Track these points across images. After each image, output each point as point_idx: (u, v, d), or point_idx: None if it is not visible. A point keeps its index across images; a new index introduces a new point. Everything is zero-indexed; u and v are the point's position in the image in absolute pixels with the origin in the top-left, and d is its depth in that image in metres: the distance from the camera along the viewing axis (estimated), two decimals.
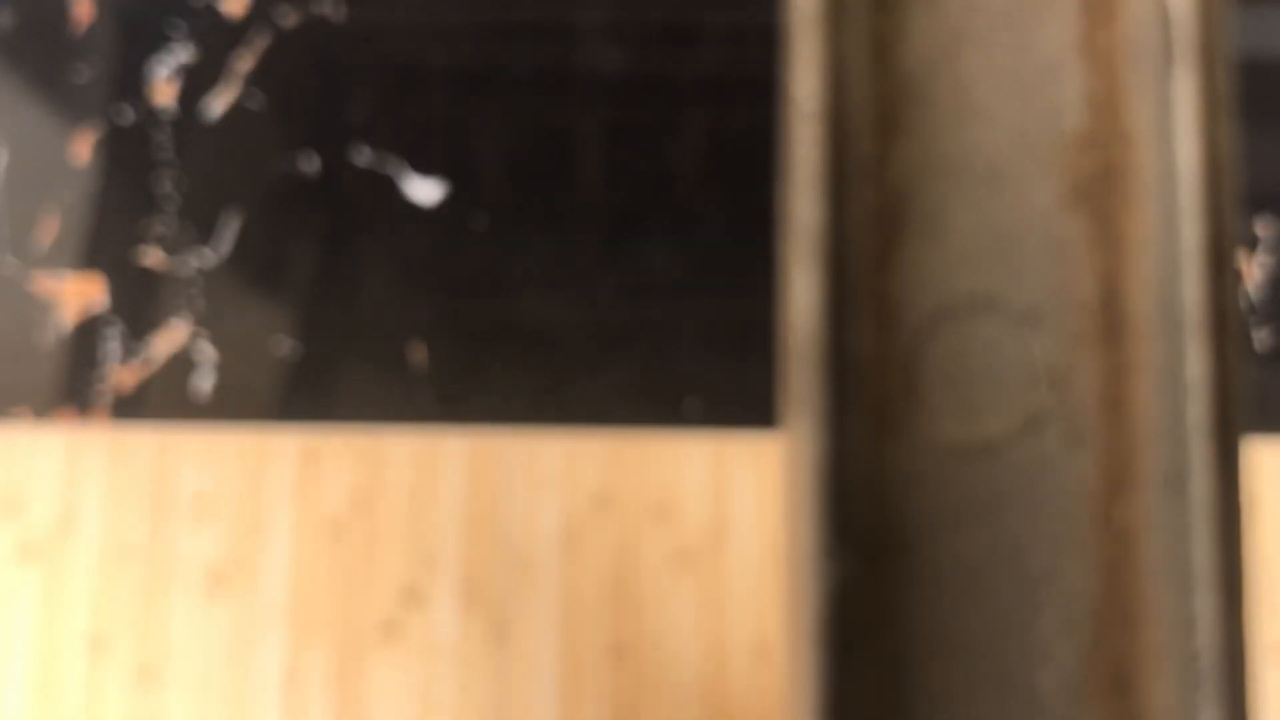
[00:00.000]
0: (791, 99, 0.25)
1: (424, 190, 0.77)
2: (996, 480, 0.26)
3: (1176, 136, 0.25)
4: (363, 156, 0.77)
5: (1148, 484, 0.25)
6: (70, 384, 0.76)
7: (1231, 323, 0.25)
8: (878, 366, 0.25)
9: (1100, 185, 0.26)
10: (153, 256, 0.77)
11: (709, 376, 0.76)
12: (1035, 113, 0.26)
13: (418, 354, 0.75)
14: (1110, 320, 0.25)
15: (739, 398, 0.76)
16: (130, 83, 0.79)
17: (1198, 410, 0.25)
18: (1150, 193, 0.26)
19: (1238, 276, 0.25)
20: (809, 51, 0.26)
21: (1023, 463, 0.26)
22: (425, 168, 0.77)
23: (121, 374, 0.76)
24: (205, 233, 0.77)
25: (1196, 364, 0.25)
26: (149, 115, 0.79)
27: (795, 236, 0.25)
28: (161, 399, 0.76)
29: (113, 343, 0.76)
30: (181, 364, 0.76)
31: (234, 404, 0.76)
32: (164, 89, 0.79)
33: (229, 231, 0.77)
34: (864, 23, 0.26)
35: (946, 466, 0.26)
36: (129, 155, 0.78)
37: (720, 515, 0.76)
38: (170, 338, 0.76)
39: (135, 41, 0.79)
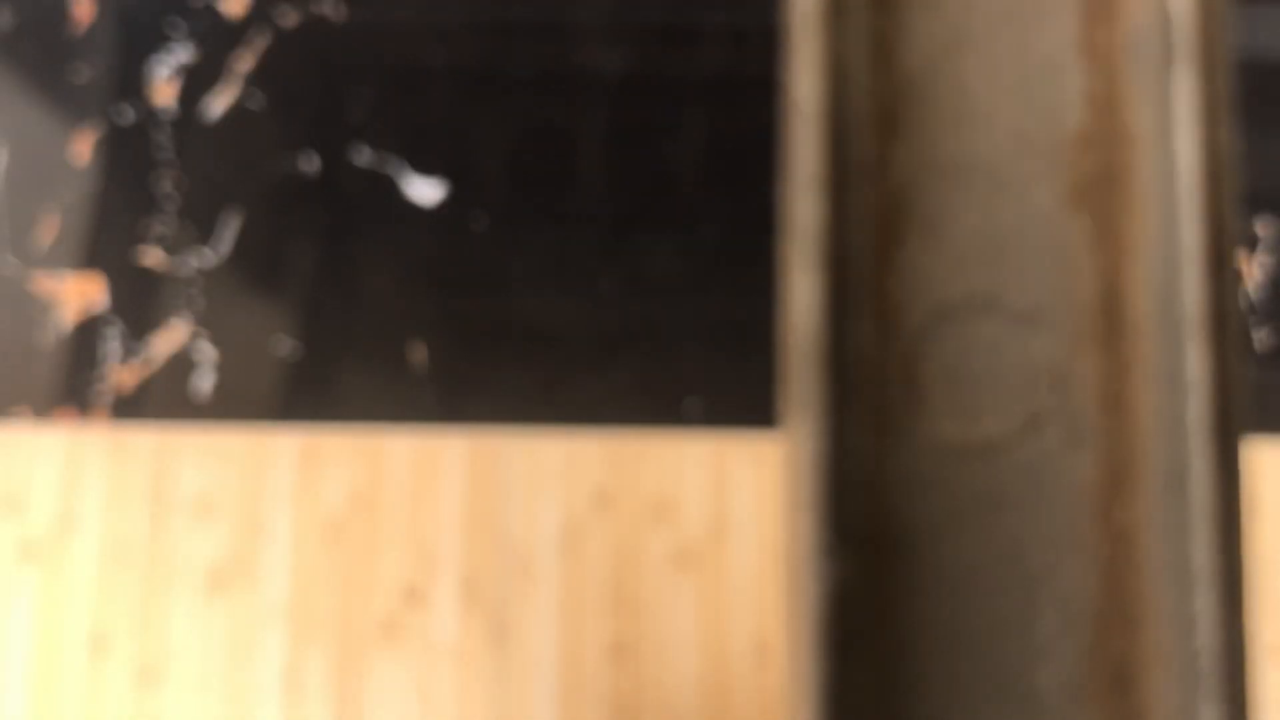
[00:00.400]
0: (792, 99, 0.25)
1: (424, 190, 0.76)
2: (997, 480, 0.26)
3: (1177, 137, 0.25)
4: (363, 156, 0.77)
5: (1148, 484, 0.25)
6: (70, 384, 0.76)
7: (1231, 323, 0.25)
8: (878, 366, 0.25)
9: (1100, 185, 0.26)
10: (153, 256, 0.77)
11: (709, 376, 0.76)
12: (1035, 113, 0.26)
13: (418, 354, 0.75)
14: (1110, 320, 0.25)
15: (739, 398, 0.76)
16: (130, 82, 0.79)
17: (1197, 410, 0.25)
18: (1150, 193, 0.26)
19: (1238, 276, 0.25)
20: (809, 51, 0.26)
21: (1023, 462, 0.26)
22: (425, 168, 0.77)
23: (121, 374, 0.76)
24: (205, 233, 0.77)
25: (1196, 364, 0.25)
26: (149, 115, 0.78)
27: (796, 237, 0.25)
28: (161, 399, 0.76)
29: (113, 342, 0.76)
30: (181, 364, 0.76)
31: (234, 404, 0.76)
32: (164, 89, 0.79)
33: (229, 231, 0.77)
34: (864, 23, 0.26)
35: (947, 466, 0.26)
36: (129, 155, 0.78)
37: (720, 515, 0.75)
38: (170, 337, 0.76)
39: (135, 41, 0.79)
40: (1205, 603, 0.25)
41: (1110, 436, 0.25)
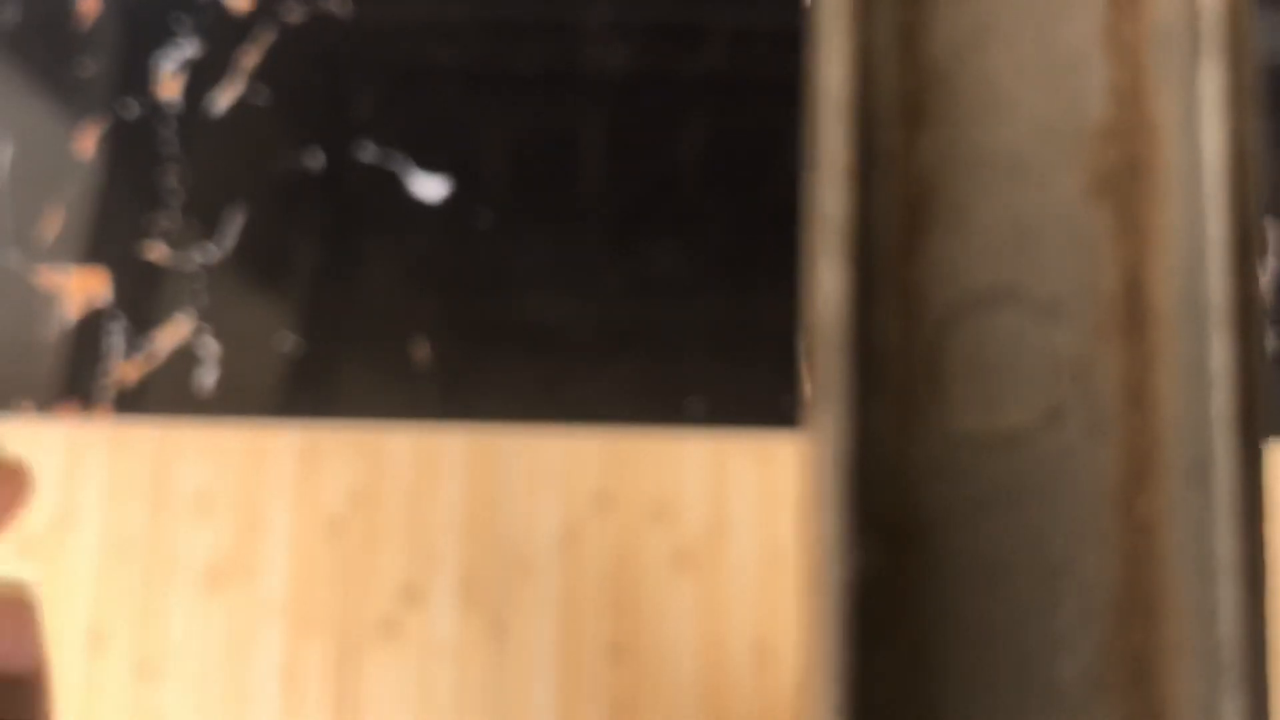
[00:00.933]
0: (818, 89, 0.25)
1: (428, 187, 0.77)
2: (1018, 471, 0.26)
3: (1201, 128, 0.25)
4: (367, 153, 0.77)
5: (1169, 475, 0.25)
6: (73, 378, 0.76)
7: (1255, 315, 0.25)
8: (901, 356, 0.26)
9: (1124, 177, 0.26)
10: (157, 251, 0.77)
11: (711, 376, 0.76)
12: (1060, 104, 0.26)
13: (420, 351, 0.75)
14: (1133, 311, 0.26)
15: (741, 398, 0.76)
16: (136, 77, 0.79)
17: (1220, 401, 0.25)
18: (1174, 184, 0.26)
19: (1261, 268, 0.25)
20: (835, 42, 0.26)
21: (1045, 454, 0.26)
22: (430, 164, 0.77)
23: (125, 368, 0.76)
24: (209, 228, 0.77)
25: (1219, 355, 0.25)
26: (154, 110, 0.78)
27: (821, 226, 0.25)
28: (164, 394, 0.76)
29: (116, 337, 0.76)
30: (185, 359, 0.76)
31: (236, 399, 0.76)
32: (169, 84, 0.79)
33: (233, 227, 0.77)
34: (890, 14, 0.26)
35: (969, 457, 0.26)
36: (134, 150, 0.78)
37: (721, 515, 0.76)
38: (174, 332, 0.76)
39: (141, 36, 0.79)
40: (1227, 594, 0.25)
41: (1132, 428, 0.25)
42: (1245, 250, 0.25)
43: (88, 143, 0.79)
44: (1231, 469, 0.25)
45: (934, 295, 0.26)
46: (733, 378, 0.77)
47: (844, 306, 0.25)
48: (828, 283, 0.25)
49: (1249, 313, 0.25)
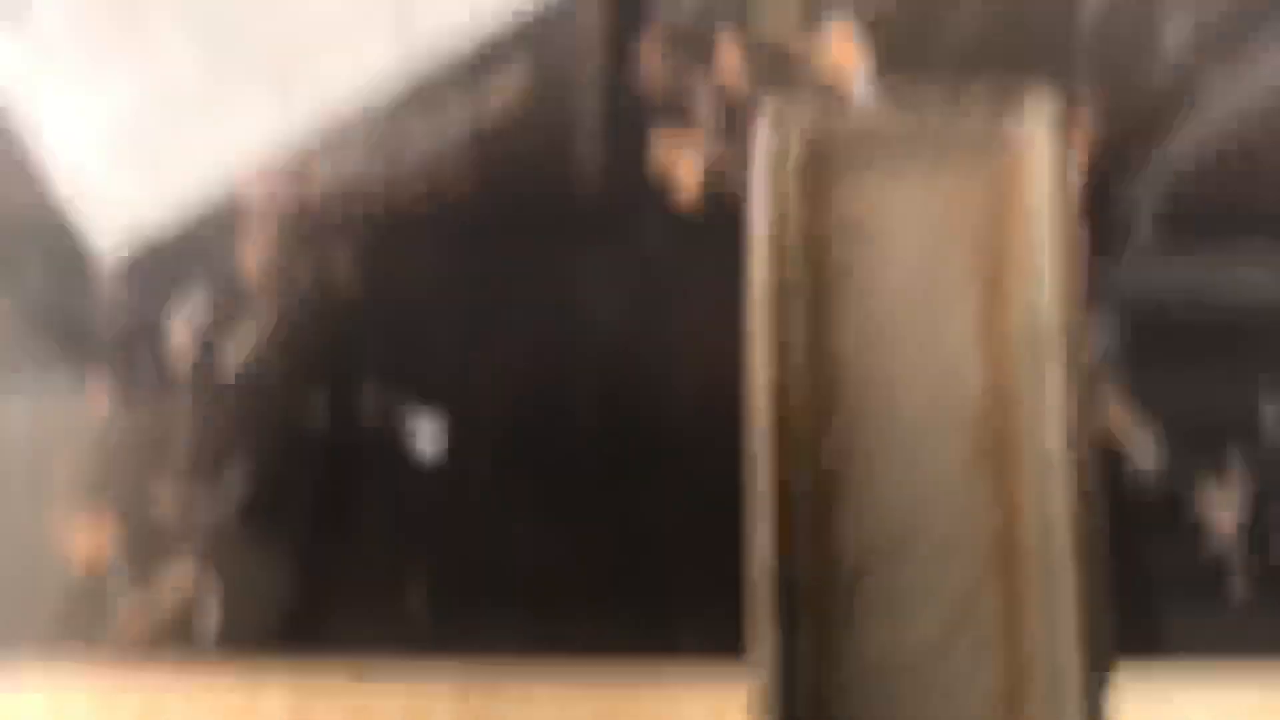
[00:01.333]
0: (752, 376, 0.32)
1: (427, 439, 0.80)
2: (919, 688, 0.32)
3: (1049, 410, 0.32)
4: (368, 408, 0.81)
5: (1038, 693, 0.31)
6: (77, 626, 0.78)
7: (1095, 550, 0.31)
8: (820, 596, 0.32)
9: (997, 449, 0.33)
10: (163, 503, 0.80)
11: (706, 612, 0.77)
12: (945, 393, 0.33)
13: (415, 596, 0.77)
14: (1007, 552, 0.32)
15: (736, 633, 0.78)
16: (148, 337, 0.83)
17: (1067, 631, 0.31)
18: (1033, 453, 0.33)
19: (1097, 519, 0.32)
20: (762, 332, 0.33)
21: (940, 675, 0.32)
22: (428, 414, 0.80)
23: (128, 616, 0.79)
24: (215, 481, 0.80)
25: (1065, 591, 0.31)
26: (164, 370, 0.83)
27: (754, 497, 0.32)
28: (163, 642, 0.78)
29: (119, 584, 0.78)
30: (185, 609, 0.78)
31: (235, 648, 0.78)
32: (181, 343, 0.83)
33: (238, 481, 0.80)
34: (802, 314, 0.33)
35: (876, 678, 0.32)
36: (144, 406, 0.82)
37: None
38: (176, 582, 0.79)
39: (153, 297, 0.84)
40: None
41: (1009, 647, 0.32)
42: (1084, 512, 0.31)
43: (100, 400, 0.83)
44: (1079, 688, 0.31)
45: (847, 545, 0.32)
46: (727, 614, 0.78)
47: (772, 559, 0.31)
48: (760, 540, 0.31)
49: (1089, 549, 0.31)
